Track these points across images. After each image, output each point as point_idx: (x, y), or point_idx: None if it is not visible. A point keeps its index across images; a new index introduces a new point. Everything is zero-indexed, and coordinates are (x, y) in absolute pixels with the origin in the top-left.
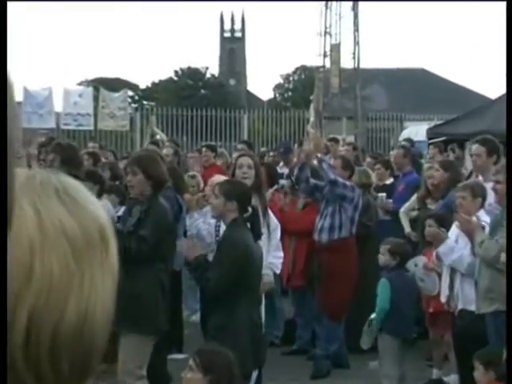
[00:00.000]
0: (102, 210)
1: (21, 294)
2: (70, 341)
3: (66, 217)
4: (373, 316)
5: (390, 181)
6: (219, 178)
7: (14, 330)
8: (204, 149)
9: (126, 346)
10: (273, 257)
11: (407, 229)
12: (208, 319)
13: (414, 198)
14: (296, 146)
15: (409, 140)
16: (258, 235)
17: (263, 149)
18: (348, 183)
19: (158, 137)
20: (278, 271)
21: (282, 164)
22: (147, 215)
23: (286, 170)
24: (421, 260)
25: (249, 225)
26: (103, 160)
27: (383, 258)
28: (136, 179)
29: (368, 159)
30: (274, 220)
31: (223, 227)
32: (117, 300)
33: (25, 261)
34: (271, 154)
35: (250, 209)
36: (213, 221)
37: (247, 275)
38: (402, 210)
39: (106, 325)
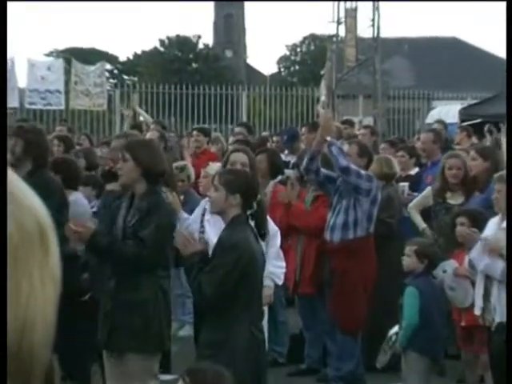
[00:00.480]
0: (40, 205)
1: None
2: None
3: None
4: (393, 330)
5: (414, 171)
6: (215, 166)
7: None
8: (195, 132)
9: (130, 372)
10: (273, 265)
11: (422, 224)
12: (200, 333)
13: (425, 192)
14: (304, 129)
15: (441, 122)
16: (262, 235)
17: (265, 133)
18: (363, 172)
19: (141, 118)
20: (280, 282)
21: (287, 152)
22: (148, 214)
23: (291, 158)
24: (450, 265)
25: (253, 223)
26: (76, 146)
27: (409, 260)
28: (126, 166)
29: (382, 145)
30: (272, 225)
31: (208, 225)
32: (114, 313)
33: None
34: (274, 139)
35: (254, 205)
36: (196, 213)
37: (249, 282)
38: (411, 205)
39: (47, 339)
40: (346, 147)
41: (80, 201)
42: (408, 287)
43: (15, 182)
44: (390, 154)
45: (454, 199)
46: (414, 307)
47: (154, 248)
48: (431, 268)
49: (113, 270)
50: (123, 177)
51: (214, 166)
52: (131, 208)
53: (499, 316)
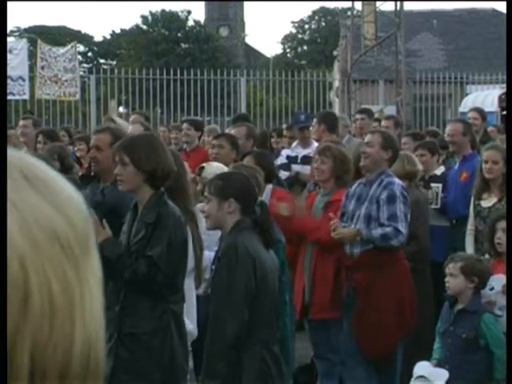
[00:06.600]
0: (77, 193)
1: (18, 328)
2: (79, 381)
3: (49, 211)
4: (423, 369)
5: (440, 170)
6: (213, 167)
7: (13, 377)
8: (185, 125)
9: None
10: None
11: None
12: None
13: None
14: (314, 121)
15: (479, 110)
16: (270, 243)
17: (283, 125)
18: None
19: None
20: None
21: (295, 143)
22: (156, 228)
23: (301, 150)
24: (498, 281)
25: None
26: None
27: (455, 281)
28: (126, 171)
29: (404, 139)
30: None
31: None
32: (117, 347)
33: (16, 282)
34: (284, 132)
35: (257, 209)
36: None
37: (259, 300)
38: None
39: (103, 351)
40: (368, 137)
41: None
42: (485, 315)
43: (43, 168)
44: (412, 149)
45: (488, 200)
46: (501, 340)
47: (168, 269)
48: (481, 288)
49: (120, 290)
50: (125, 184)
51: (211, 168)
52: (135, 220)
53: None
